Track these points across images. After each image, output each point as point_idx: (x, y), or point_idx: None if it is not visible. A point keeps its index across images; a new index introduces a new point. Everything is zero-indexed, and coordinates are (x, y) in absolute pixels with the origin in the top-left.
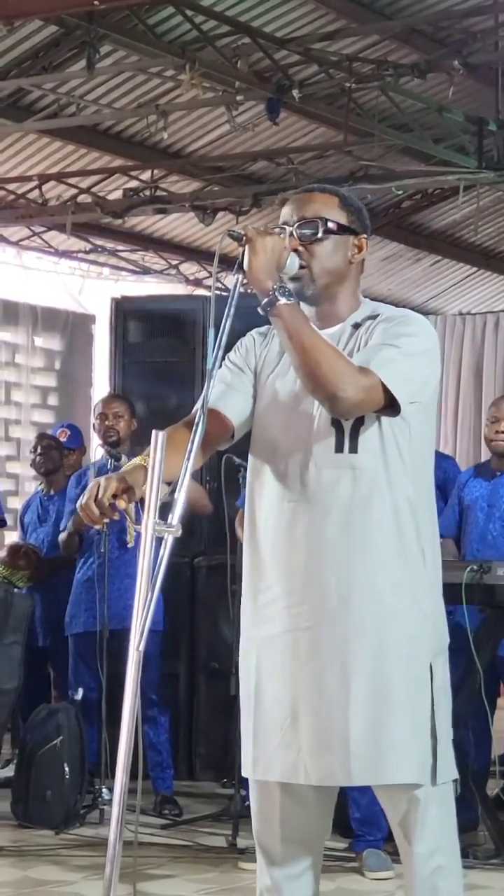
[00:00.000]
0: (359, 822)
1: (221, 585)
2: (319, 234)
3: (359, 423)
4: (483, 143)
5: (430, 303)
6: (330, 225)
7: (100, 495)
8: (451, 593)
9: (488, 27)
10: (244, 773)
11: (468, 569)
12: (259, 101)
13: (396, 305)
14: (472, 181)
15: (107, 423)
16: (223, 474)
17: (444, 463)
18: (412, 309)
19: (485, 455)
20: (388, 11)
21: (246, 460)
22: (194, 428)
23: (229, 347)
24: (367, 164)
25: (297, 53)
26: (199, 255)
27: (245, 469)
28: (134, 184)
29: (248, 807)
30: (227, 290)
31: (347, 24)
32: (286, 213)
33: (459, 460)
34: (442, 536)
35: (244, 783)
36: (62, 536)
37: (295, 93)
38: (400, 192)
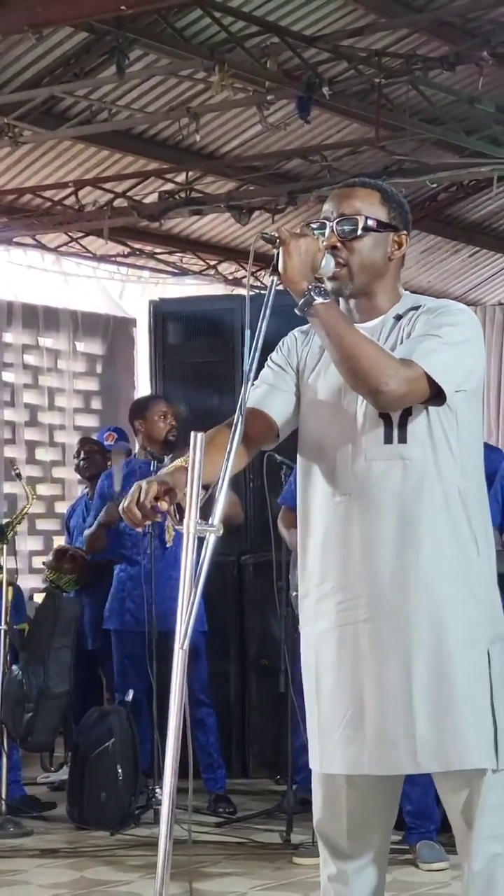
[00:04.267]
0: (411, 815)
1: (269, 582)
2: (359, 232)
3: (407, 413)
4: None
5: (470, 294)
6: (370, 222)
7: (142, 498)
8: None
9: None
10: (312, 767)
11: None
12: (290, 99)
13: (437, 297)
14: None
15: (172, 422)
16: (266, 473)
17: (492, 455)
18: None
19: None
20: (416, 4)
21: (289, 458)
22: (232, 430)
23: (271, 347)
24: (400, 159)
25: (326, 51)
26: (236, 254)
27: (287, 466)
28: (169, 186)
29: (302, 802)
30: (265, 289)
31: (376, 20)
32: (327, 208)
33: (501, 450)
34: None
35: (296, 779)
36: (90, 531)
37: (325, 90)
38: (435, 185)
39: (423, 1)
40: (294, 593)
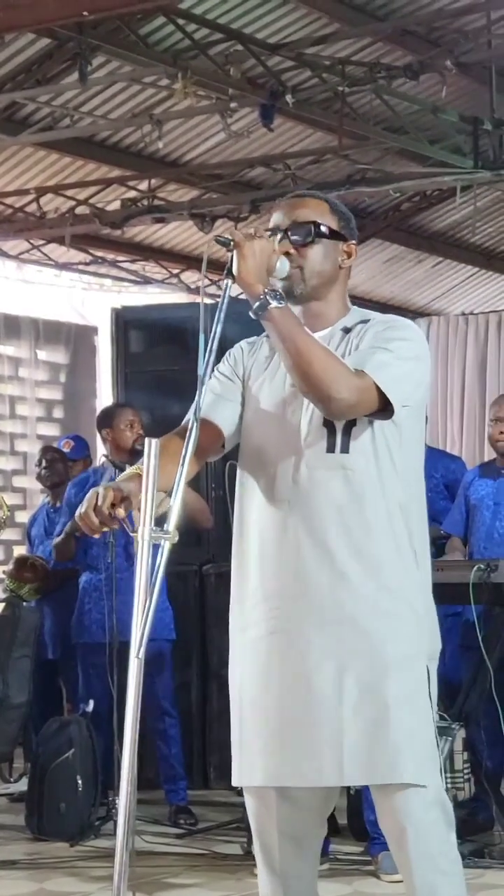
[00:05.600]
0: (373, 825)
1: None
2: (312, 238)
3: (350, 424)
4: (479, 143)
5: (433, 304)
6: (322, 229)
7: (99, 503)
8: (459, 593)
9: (480, 26)
10: (233, 783)
11: (476, 568)
12: (253, 107)
13: (400, 307)
14: (469, 181)
15: (139, 430)
16: (228, 482)
17: (452, 464)
18: (416, 311)
19: (489, 454)
20: (380, 13)
21: None
22: (188, 435)
23: (225, 352)
24: (363, 168)
25: (290, 59)
26: (199, 263)
27: None
28: (132, 194)
29: None
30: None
31: (340, 28)
32: (277, 217)
33: (465, 460)
34: (449, 535)
35: None
36: (57, 540)
37: (288, 98)
38: (398, 195)
39: (386, 10)
40: None
